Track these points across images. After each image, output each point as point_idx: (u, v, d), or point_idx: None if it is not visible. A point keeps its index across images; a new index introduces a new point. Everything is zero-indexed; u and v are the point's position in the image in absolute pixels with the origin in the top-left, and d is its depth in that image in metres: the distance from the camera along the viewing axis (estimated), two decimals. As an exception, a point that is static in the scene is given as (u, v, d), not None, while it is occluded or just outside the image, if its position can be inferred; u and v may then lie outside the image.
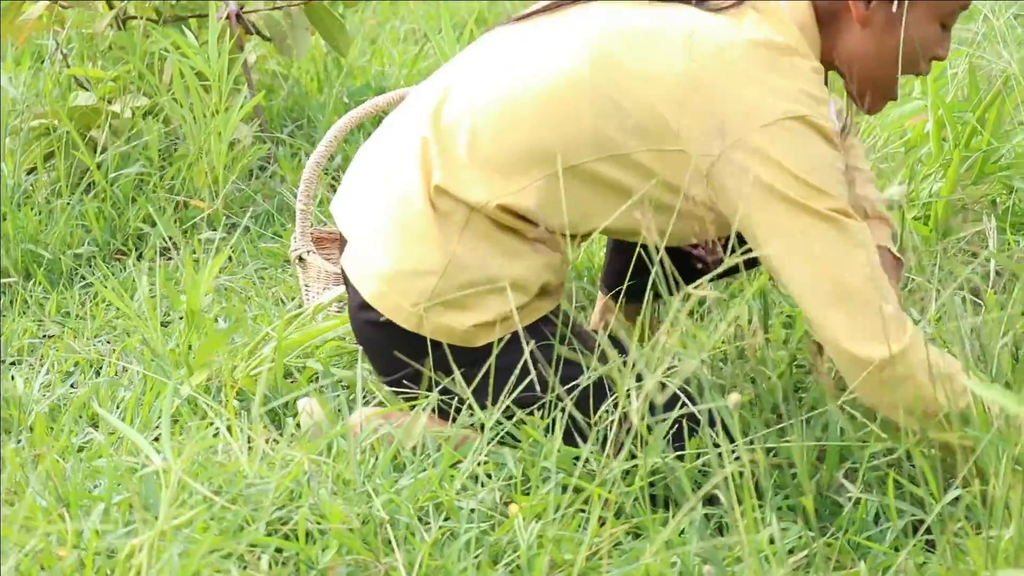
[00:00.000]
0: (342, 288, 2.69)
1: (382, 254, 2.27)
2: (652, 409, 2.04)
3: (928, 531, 1.97)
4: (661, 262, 1.98)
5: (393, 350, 2.26)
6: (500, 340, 2.23)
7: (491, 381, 2.19)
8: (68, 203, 3.45)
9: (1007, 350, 2.09)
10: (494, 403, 2.19)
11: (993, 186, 2.94)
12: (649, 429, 2.00)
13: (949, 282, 2.21)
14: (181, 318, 2.74)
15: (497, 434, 2.16)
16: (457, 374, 2.20)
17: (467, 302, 2.23)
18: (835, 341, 2.06)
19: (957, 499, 1.94)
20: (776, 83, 2.08)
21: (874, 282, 2.06)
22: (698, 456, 2.07)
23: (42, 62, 4.20)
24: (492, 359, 2.20)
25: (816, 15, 2.20)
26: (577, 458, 2.08)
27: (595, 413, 2.11)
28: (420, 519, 2.02)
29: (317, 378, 2.52)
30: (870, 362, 2.04)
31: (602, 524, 1.98)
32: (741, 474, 1.87)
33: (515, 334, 2.22)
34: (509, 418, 2.17)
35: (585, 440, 2.09)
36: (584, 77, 2.16)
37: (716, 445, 2.01)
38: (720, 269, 1.98)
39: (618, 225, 2.22)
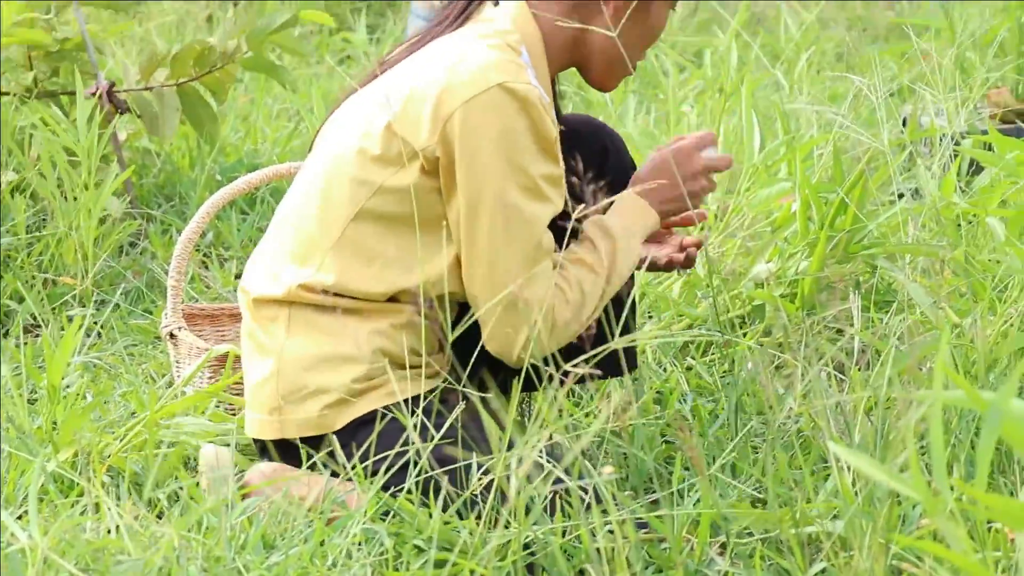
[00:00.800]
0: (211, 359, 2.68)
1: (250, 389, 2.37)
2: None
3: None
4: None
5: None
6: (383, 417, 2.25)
7: (372, 455, 2.19)
8: (-67, 279, 3.39)
9: (871, 425, 2.13)
10: (372, 475, 2.19)
11: (857, 265, 3.00)
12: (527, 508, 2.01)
13: (815, 359, 2.25)
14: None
15: (377, 506, 2.15)
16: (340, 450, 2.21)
17: (312, 389, 2.27)
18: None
19: (824, 571, 1.97)
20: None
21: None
22: (566, 532, 2.07)
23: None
24: (373, 436, 2.20)
25: (564, 10, 2.36)
26: (454, 530, 2.08)
27: (468, 486, 2.11)
28: (291, 596, 2.00)
29: (189, 458, 2.49)
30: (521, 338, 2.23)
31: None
32: (613, 548, 1.88)
33: (404, 407, 2.24)
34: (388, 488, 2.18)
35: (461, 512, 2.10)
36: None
37: (589, 519, 2.02)
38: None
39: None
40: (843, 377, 2.67)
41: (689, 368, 2.87)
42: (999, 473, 2.19)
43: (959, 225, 2.91)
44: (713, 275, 3.00)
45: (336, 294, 2.28)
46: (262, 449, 2.36)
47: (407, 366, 2.30)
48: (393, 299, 2.30)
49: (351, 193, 2.29)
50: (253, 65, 3.85)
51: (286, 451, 2.32)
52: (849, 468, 1.98)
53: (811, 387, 2.40)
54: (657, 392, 2.67)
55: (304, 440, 2.28)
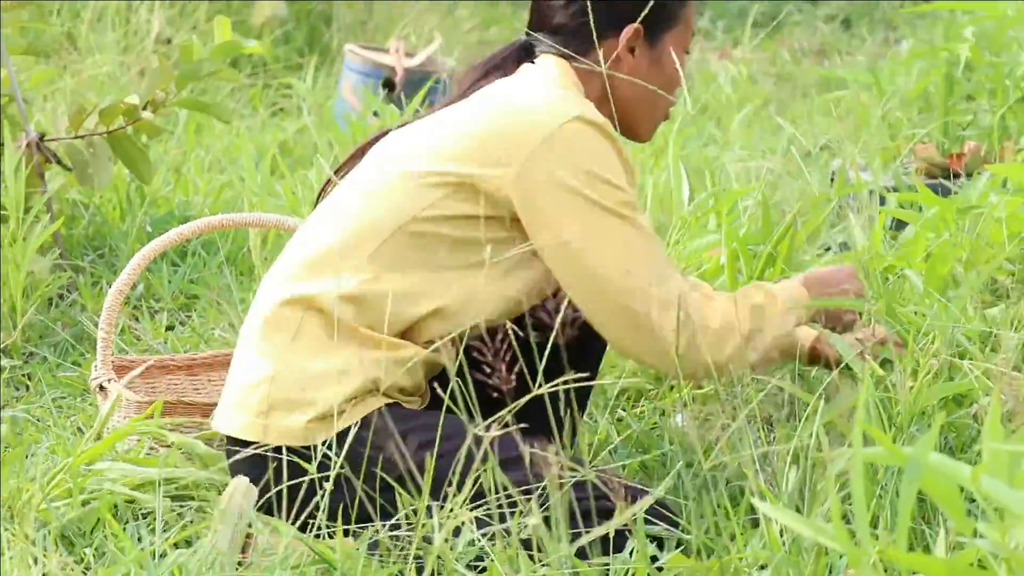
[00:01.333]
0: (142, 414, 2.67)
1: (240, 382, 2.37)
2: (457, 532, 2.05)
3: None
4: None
5: (257, 475, 2.29)
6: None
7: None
8: None
9: (796, 476, 2.15)
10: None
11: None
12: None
13: (742, 409, 2.27)
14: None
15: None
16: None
17: (302, 400, 2.28)
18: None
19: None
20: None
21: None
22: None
23: None
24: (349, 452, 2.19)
25: (590, 73, 2.46)
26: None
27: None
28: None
29: (117, 507, 2.47)
30: (668, 330, 2.29)
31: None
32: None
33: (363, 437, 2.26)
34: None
35: None
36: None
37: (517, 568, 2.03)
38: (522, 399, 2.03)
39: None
40: (770, 428, 2.68)
41: (620, 419, 2.88)
42: (923, 522, 2.21)
43: (886, 279, 2.94)
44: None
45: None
46: (229, 451, 2.37)
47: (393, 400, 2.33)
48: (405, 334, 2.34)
49: (399, 209, 2.34)
50: (189, 104, 3.84)
51: (256, 457, 2.31)
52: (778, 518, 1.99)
53: (739, 438, 2.42)
54: (588, 444, 2.68)
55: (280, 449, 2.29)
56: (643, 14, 2.44)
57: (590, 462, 2.60)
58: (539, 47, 2.49)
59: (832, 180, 4.06)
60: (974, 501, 2.13)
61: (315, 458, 2.22)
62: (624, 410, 2.92)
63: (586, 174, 2.31)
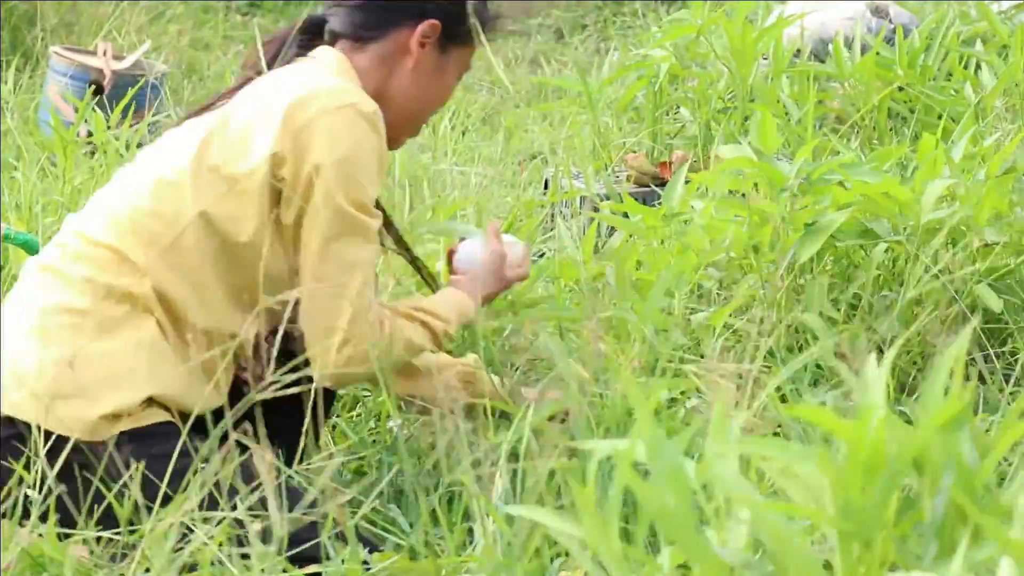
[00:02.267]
0: None
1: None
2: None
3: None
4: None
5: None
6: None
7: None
8: None
9: (507, 478, 2.17)
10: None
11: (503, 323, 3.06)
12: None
13: (456, 415, 2.29)
14: None
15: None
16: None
17: (94, 393, 2.24)
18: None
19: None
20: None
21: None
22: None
23: None
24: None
25: (373, 61, 2.48)
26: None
27: None
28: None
29: None
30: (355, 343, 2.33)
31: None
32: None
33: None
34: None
35: None
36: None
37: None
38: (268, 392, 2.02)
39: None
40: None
41: (335, 427, 2.87)
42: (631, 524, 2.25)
43: (596, 286, 3.00)
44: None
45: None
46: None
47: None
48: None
49: (183, 208, 2.33)
50: None
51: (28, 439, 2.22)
52: (491, 520, 2.00)
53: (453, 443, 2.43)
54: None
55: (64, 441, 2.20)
56: (446, 17, 2.49)
57: (307, 468, 2.58)
58: (327, 28, 2.51)
59: (546, 188, 4.13)
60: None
61: (104, 457, 2.16)
62: (339, 416, 2.91)
63: (341, 160, 2.32)
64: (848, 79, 4.18)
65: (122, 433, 2.24)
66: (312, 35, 2.53)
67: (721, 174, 2.95)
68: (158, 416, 2.29)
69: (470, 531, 2.30)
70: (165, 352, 2.30)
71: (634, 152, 4.33)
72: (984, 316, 2.88)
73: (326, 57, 2.48)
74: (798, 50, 4.54)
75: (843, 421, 1.50)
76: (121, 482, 2.09)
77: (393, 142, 2.53)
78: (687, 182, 3.11)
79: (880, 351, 2.77)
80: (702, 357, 2.65)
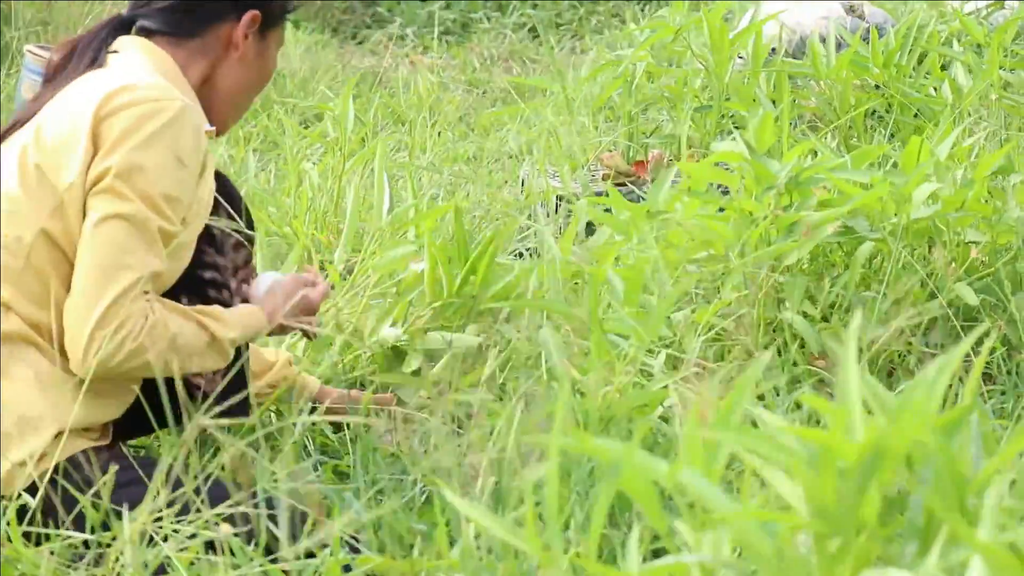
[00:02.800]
0: None
1: None
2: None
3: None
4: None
5: None
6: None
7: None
8: None
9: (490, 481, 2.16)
10: None
11: (485, 325, 3.05)
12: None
13: (438, 416, 2.28)
14: None
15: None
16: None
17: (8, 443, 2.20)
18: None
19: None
20: None
21: None
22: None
23: None
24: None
25: (195, 56, 2.45)
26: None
27: None
28: None
29: None
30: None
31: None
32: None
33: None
34: None
35: None
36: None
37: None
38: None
39: None
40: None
41: (313, 425, 2.86)
42: (624, 527, 2.25)
43: (576, 284, 2.99)
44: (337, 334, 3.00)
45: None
46: None
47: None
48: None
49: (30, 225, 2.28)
50: None
51: None
52: (471, 524, 2.00)
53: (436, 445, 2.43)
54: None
55: None
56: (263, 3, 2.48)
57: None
58: (137, 25, 2.46)
59: (522, 186, 4.12)
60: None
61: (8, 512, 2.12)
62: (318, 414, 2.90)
63: (139, 153, 2.27)
64: (825, 78, 4.19)
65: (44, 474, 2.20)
66: (122, 34, 2.47)
67: (712, 167, 2.95)
68: (71, 447, 2.25)
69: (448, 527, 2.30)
70: (60, 379, 2.24)
71: (610, 151, 4.33)
72: (964, 315, 2.89)
73: (139, 53, 2.42)
74: (773, 49, 4.55)
75: (832, 425, 1.50)
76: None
77: (222, 126, 2.54)
78: (675, 177, 3.11)
79: (859, 350, 2.78)
80: (683, 354, 2.65)
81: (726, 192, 3.08)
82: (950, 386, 1.75)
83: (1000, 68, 4.18)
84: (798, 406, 2.50)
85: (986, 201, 2.96)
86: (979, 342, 2.94)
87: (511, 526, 1.61)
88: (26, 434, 2.21)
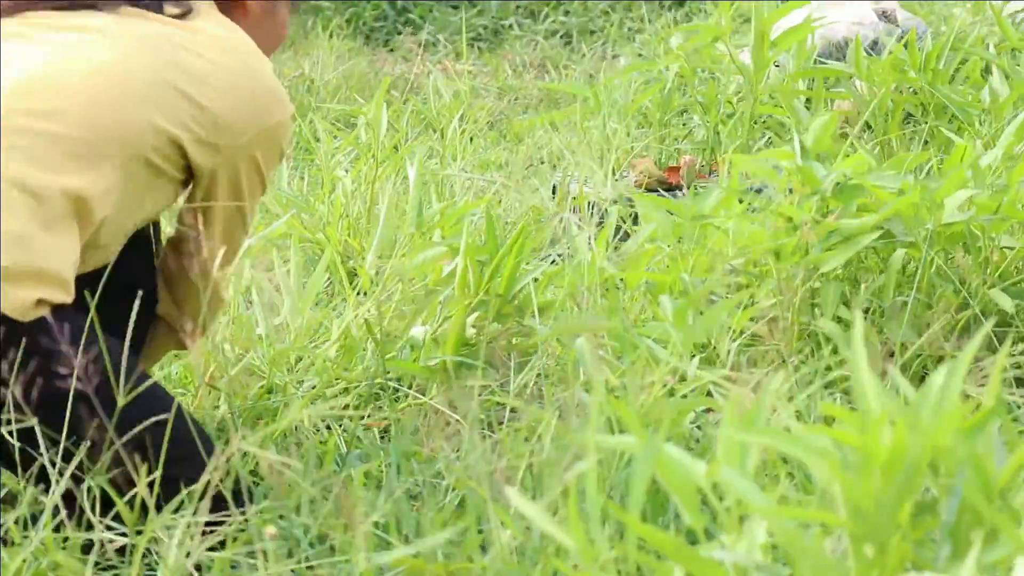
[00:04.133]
0: None
1: None
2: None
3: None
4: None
5: None
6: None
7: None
8: None
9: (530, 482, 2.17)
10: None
11: (508, 326, 3.05)
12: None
13: (471, 419, 2.29)
14: None
15: None
16: None
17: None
18: None
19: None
20: None
21: None
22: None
23: None
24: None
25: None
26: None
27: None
28: None
29: None
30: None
31: None
32: None
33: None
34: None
35: None
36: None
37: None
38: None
39: None
40: (493, 434, 2.70)
41: (345, 430, 2.87)
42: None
43: (607, 289, 3.00)
44: (371, 337, 3.01)
45: None
46: None
47: None
48: None
49: None
50: None
51: None
52: (504, 526, 2.00)
53: (470, 447, 2.43)
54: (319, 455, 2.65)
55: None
56: None
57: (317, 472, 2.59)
58: None
59: (554, 194, 4.13)
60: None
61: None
62: (351, 420, 2.91)
63: None
64: (863, 81, 4.18)
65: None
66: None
67: (763, 163, 2.94)
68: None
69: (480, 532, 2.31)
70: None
71: (642, 157, 4.33)
72: (997, 320, 2.88)
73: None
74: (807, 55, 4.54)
75: (855, 430, 1.50)
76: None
77: None
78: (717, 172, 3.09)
79: (892, 355, 2.78)
80: (717, 358, 2.65)
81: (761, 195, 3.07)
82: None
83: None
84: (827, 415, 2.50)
85: (1022, 206, 2.95)
86: (1014, 344, 2.94)
87: (553, 522, 1.61)
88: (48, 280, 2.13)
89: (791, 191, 2.89)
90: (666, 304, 2.54)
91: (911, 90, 4.16)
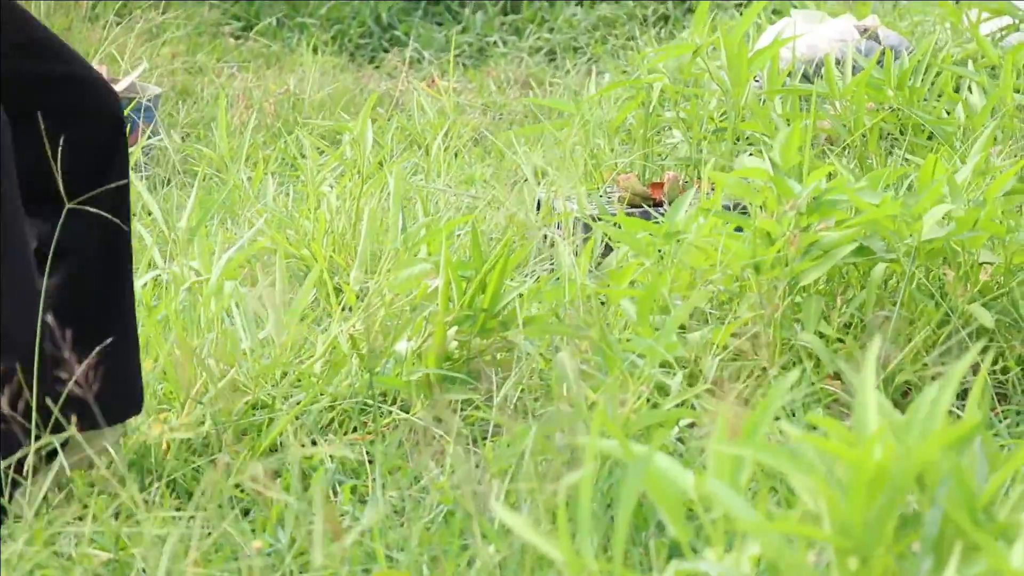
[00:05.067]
0: None
1: None
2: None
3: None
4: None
5: None
6: None
7: None
8: None
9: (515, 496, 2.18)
10: None
11: (491, 341, 3.06)
12: None
13: (453, 433, 2.30)
14: None
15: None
16: None
17: None
18: None
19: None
20: None
21: None
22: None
23: None
24: None
25: None
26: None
27: None
28: None
29: None
30: None
31: None
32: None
33: None
34: None
35: None
36: None
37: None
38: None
39: None
40: (477, 451, 2.71)
41: (331, 445, 2.87)
42: (631, 545, 2.26)
43: (594, 304, 3.01)
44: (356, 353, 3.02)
45: None
46: None
47: None
48: None
49: None
50: None
51: None
52: (487, 540, 2.01)
53: (454, 462, 2.44)
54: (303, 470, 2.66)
55: None
56: None
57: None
58: None
59: (538, 209, 4.14)
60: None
61: None
62: (335, 434, 2.92)
63: None
64: (840, 99, 4.21)
65: None
66: None
67: (737, 180, 2.97)
68: None
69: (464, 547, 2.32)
70: None
71: (626, 173, 4.34)
72: (976, 335, 2.90)
73: None
74: (788, 72, 4.57)
75: (843, 443, 1.51)
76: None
77: None
78: (698, 189, 3.12)
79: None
80: (700, 373, 2.66)
81: (743, 212, 3.09)
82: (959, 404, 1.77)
83: (1016, 92, 4.20)
84: (813, 427, 2.52)
85: (1000, 221, 2.97)
86: (996, 360, 2.96)
87: (541, 534, 1.63)
88: None
89: (763, 208, 2.91)
90: (629, 309, 2.56)
91: (888, 108, 4.19)
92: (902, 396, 2.87)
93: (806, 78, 4.79)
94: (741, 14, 4.85)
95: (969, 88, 4.34)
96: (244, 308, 3.11)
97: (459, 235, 3.56)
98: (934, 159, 3.01)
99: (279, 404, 2.91)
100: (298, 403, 2.93)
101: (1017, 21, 5.21)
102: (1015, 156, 3.81)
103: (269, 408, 2.90)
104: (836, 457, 1.51)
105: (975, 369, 2.85)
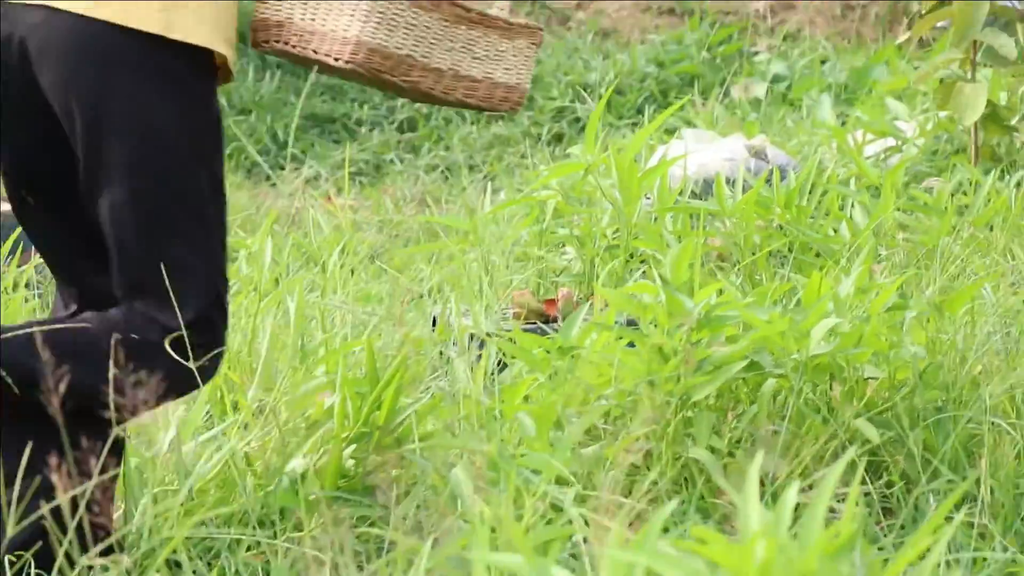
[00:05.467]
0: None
1: None
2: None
3: None
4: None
5: None
6: None
7: None
8: None
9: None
10: None
11: (387, 457, 3.07)
12: None
13: (341, 554, 2.30)
14: None
15: None
16: None
17: None
18: None
19: None
20: None
21: None
22: None
23: None
24: None
25: None
26: None
27: None
28: None
29: None
30: None
31: None
32: None
33: None
34: None
35: None
36: None
37: None
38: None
39: None
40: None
41: (223, 569, 2.85)
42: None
43: (487, 420, 3.04)
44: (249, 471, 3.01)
45: None
46: None
47: None
48: None
49: None
50: None
51: None
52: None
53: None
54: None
55: None
56: None
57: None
58: None
59: (434, 326, 4.17)
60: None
61: None
62: (227, 557, 2.90)
63: None
64: (730, 217, 4.30)
65: None
66: None
67: (627, 297, 3.02)
68: None
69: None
70: None
71: (520, 290, 4.39)
72: (862, 450, 2.96)
73: None
74: (680, 190, 4.67)
75: (727, 549, 1.54)
76: None
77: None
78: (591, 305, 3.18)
79: (763, 484, 2.84)
80: (594, 488, 2.69)
81: (636, 328, 3.15)
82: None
83: (897, 210, 4.33)
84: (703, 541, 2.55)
85: (883, 337, 3.04)
86: (880, 475, 3.01)
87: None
88: None
89: (654, 324, 2.96)
90: (526, 422, 2.59)
91: (777, 225, 4.29)
92: (794, 509, 2.91)
93: (699, 196, 4.89)
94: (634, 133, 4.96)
95: (853, 206, 4.47)
96: (138, 425, 3.09)
97: (356, 352, 3.57)
98: (819, 276, 3.09)
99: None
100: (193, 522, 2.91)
101: (899, 143, 5.37)
102: (897, 272, 3.91)
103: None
104: (719, 564, 1.54)
105: (863, 482, 2.91)
